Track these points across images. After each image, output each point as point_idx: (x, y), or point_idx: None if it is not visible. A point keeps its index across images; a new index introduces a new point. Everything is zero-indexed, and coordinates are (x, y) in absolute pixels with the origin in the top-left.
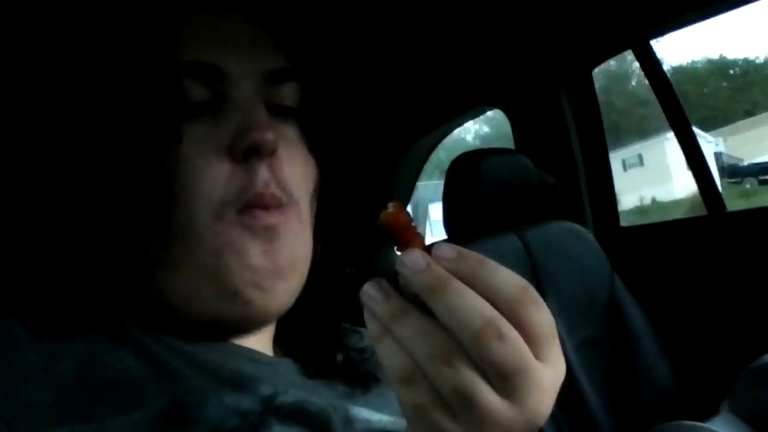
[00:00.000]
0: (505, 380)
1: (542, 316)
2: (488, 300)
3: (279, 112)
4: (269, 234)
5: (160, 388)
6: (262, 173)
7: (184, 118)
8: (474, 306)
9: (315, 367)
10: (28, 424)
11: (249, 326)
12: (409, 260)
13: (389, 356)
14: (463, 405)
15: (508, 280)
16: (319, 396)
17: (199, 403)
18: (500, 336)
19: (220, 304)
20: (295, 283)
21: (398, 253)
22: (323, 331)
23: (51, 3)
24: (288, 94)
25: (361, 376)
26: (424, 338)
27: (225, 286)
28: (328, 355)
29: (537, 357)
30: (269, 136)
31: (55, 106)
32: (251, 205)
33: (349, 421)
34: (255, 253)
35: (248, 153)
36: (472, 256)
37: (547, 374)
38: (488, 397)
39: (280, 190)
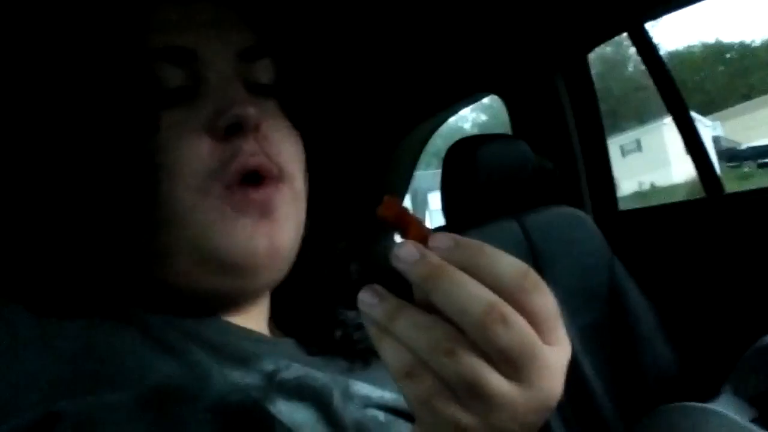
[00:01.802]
0: (514, 365)
1: (546, 300)
2: (490, 287)
3: (256, 90)
4: (261, 210)
5: (162, 363)
6: (249, 144)
7: (161, 104)
8: (473, 292)
9: (315, 344)
10: (27, 398)
11: (244, 299)
12: (402, 253)
13: (389, 353)
14: (470, 393)
15: (509, 266)
16: (320, 372)
17: (202, 377)
18: (504, 320)
19: (216, 279)
20: (289, 255)
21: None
22: (320, 308)
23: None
24: (263, 71)
25: (360, 352)
26: (423, 331)
27: (219, 262)
28: (326, 332)
29: (543, 340)
30: (251, 110)
31: (31, 101)
32: (241, 175)
33: (349, 396)
34: (246, 228)
35: (230, 130)
36: (471, 244)
37: (555, 355)
38: (496, 382)
39: (269, 162)
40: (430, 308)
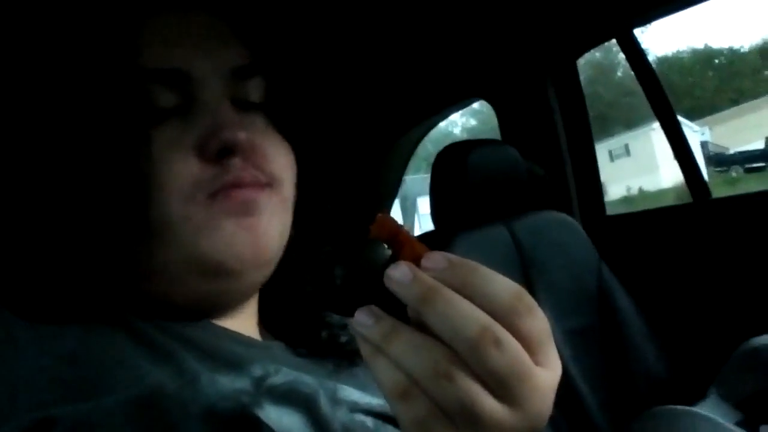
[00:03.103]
0: (506, 387)
1: (539, 323)
2: (483, 308)
3: (246, 107)
4: (246, 209)
5: (154, 368)
6: (236, 162)
7: (151, 124)
8: (468, 313)
9: (302, 346)
10: (26, 399)
11: (232, 301)
12: (395, 274)
13: (383, 373)
14: (465, 416)
15: (503, 287)
16: (309, 376)
17: (192, 383)
18: (497, 343)
19: (203, 282)
20: (273, 256)
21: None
22: (306, 310)
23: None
24: (254, 89)
25: (347, 353)
26: (419, 353)
27: (205, 265)
28: (313, 334)
29: (535, 362)
30: (241, 135)
31: (23, 117)
32: (228, 186)
33: (337, 401)
34: (230, 226)
35: (221, 154)
36: (464, 264)
37: (546, 377)
38: (491, 406)
39: (259, 173)
40: (424, 327)
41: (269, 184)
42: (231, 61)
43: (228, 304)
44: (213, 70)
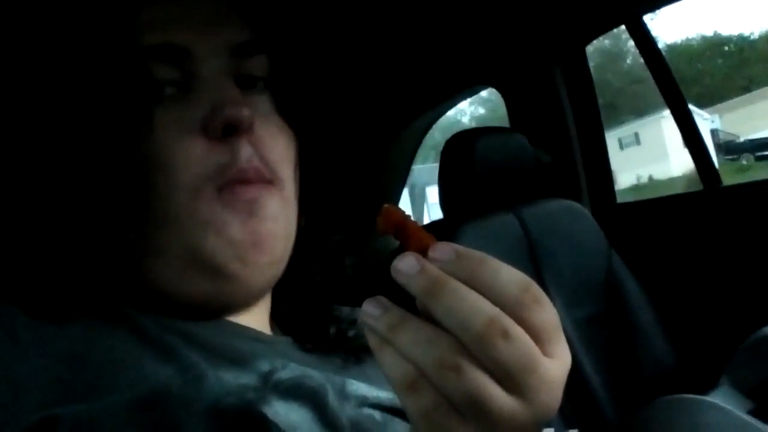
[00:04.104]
0: (514, 379)
1: (546, 314)
2: (491, 300)
3: (249, 84)
4: (250, 208)
5: (159, 367)
6: (245, 149)
7: (154, 102)
8: (475, 305)
9: (310, 342)
10: (28, 398)
11: (238, 303)
12: (402, 265)
13: (390, 365)
14: (473, 408)
15: (510, 278)
16: (316, 371)
17: (197, 379)
18: (505, 334)
19: (206, 282)
20: (279, 258)
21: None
22: (315, 303)
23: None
24: (257, 66)
25: (355, 349)
26: (427, 345)
27: (208, 264)
28: (321, 328)
29: (543, 353)
30: (245, 111)
31: (24, 103)
32: (234, 181)
33: (345, 396)
34: (234, 227)
35: (226, 131)
36: (472, 256)
37: (555, 368)
38: (499, 397)
39: (264, 166)
40: (432, 318)
41: (272, 181)
42: (231, 38)
43: (237, 304)
44: (213, 47)
